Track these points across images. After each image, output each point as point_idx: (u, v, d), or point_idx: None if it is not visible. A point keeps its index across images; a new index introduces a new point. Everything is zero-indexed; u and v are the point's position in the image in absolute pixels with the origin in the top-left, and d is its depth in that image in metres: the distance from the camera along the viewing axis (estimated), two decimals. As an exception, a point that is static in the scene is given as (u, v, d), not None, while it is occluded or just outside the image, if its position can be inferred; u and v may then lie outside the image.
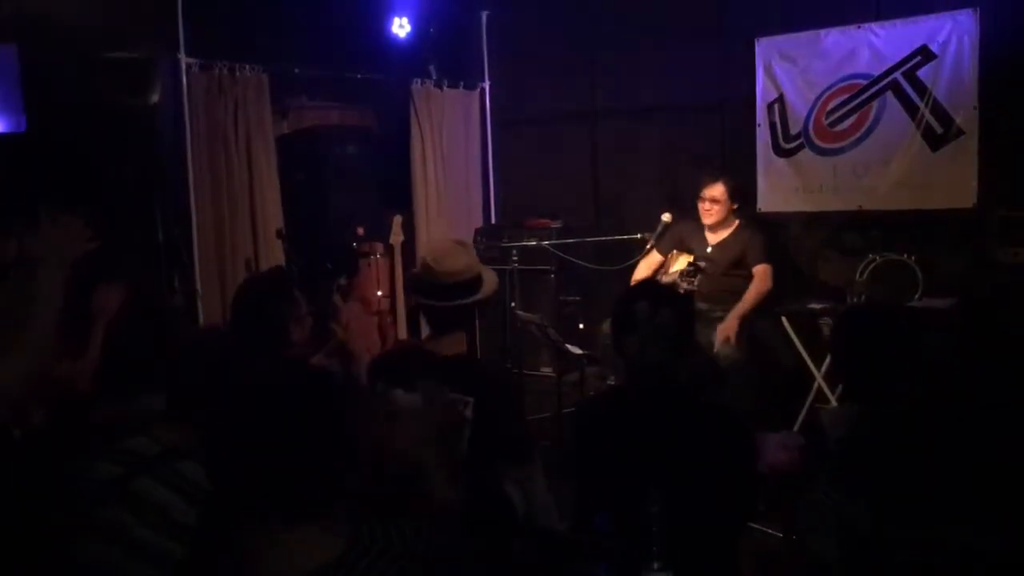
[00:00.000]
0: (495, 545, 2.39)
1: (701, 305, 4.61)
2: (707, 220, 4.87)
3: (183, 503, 1.70)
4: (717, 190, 4.81)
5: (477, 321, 2.70)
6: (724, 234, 4.91)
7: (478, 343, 5.33)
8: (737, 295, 4.73)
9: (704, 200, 4.84)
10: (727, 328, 4.59)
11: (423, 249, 2.78)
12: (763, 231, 4.94)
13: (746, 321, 4.67)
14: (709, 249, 4.88)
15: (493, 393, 2.51)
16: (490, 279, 2.68)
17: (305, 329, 2.74)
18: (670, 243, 5.03)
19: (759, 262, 4.77)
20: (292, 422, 1.30)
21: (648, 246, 4.92)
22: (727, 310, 4.68)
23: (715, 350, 4.53)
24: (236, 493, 1.32)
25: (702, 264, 4.63)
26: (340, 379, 1.92)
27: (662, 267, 5.11)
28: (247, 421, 1.31)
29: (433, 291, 2.60)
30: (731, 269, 4.85)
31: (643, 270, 5.07)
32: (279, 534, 1.30)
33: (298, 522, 1.31)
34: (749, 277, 4.79)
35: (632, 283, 4.77)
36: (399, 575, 1.33)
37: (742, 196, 4.96)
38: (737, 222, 4.92)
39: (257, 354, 2.45)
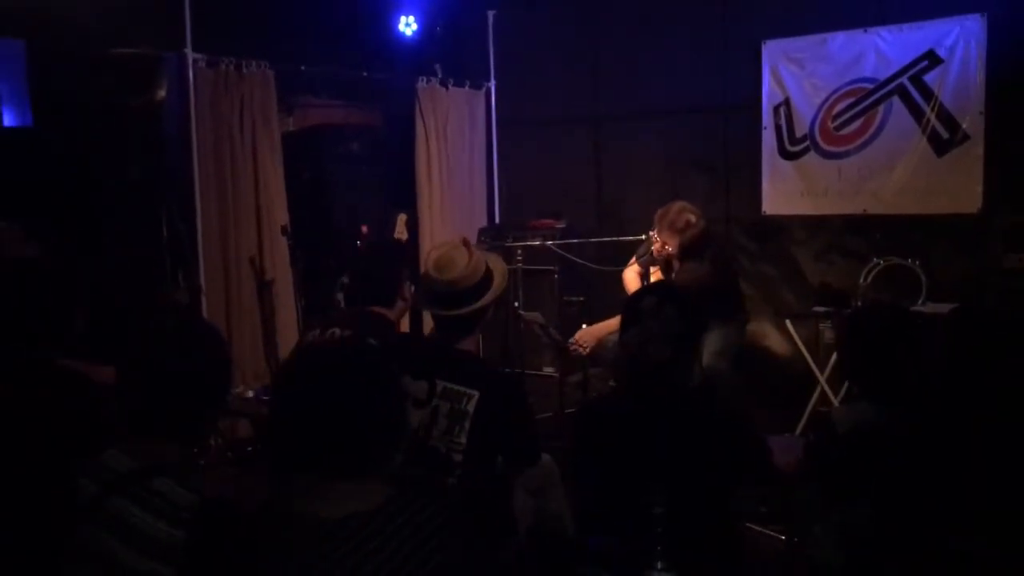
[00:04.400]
0: (488, 544, 2.39)
1: None
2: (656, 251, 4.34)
3: (162, 523, 1.63)
4: (672, 243, 4.22)
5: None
6: (688, 263, 4.25)
7: (480, 342, 5.31)
8: None
9: (657, 241, 4.29)
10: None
11: (426, 255, 2.79)
12: (718, 269, 4.24)
13: (738, 333, 4.34)
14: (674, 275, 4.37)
15: (499, 391, 2.51)
16: (500, 272, 2.67)
17: (410, 292, 3.15)
18: (651, 256, 4.50)
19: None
20: (348, 392, 1.53)
21: (643, 246, 4.58)
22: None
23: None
24: (294, 451, 1.54)
25: None
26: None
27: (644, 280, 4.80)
28: (311, 390, 1.54)
29: (438, 300, 2.60)
30: None
31: (631, 280, 4.70)
32: (324, 487, 1.49)
33: (344, 478, 1.50)
34: None
35: (629, 292, 4.24)
36: (435, 532, 1.47)
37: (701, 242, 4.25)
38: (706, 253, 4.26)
39: (373, 303, 3.08)
